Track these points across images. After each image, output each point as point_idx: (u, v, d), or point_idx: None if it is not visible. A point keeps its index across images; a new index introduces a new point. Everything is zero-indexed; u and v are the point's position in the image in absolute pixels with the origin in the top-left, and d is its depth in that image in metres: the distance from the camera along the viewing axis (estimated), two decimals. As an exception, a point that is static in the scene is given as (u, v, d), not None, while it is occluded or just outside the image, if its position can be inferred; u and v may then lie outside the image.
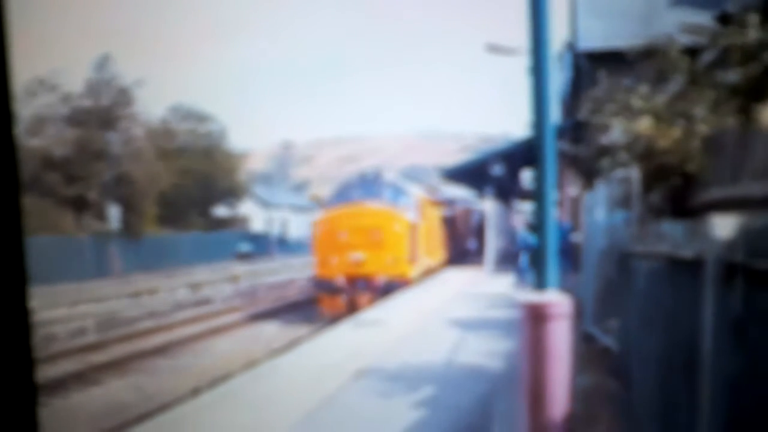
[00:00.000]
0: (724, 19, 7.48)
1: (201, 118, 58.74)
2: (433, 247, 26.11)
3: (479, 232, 32.25)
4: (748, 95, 5.94)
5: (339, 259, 20.76)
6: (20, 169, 0.97)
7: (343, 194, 22.53)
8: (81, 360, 15.46)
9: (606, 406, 6.68)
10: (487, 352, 10.40)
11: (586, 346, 9.59)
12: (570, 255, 13.85)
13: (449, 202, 31.88)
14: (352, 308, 19.35)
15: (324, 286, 20.98)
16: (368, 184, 22.39)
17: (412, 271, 21.67)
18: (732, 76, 6.18)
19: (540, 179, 5.00)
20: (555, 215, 12.51)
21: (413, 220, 21.88)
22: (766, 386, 2.76)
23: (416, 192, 24.34)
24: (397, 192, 22.43)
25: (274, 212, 73.49)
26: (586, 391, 7.31)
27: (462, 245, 34.30)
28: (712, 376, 3.28)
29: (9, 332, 0.94)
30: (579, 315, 10.58)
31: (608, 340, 8.64)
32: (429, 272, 24.64)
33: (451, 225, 30.92)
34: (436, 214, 27.25)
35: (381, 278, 20.44)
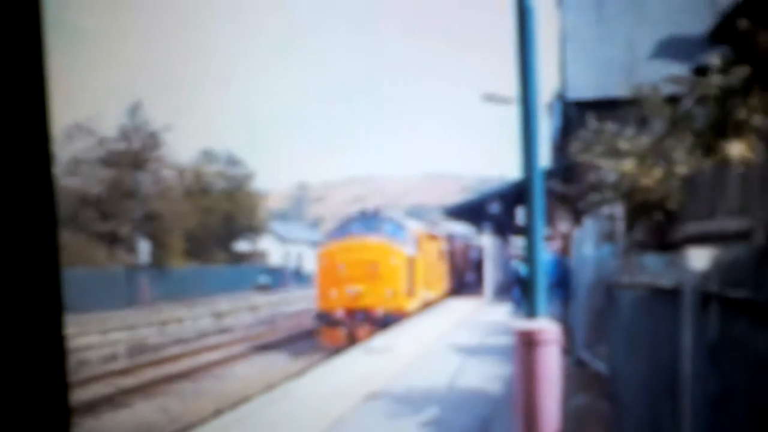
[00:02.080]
0: (700, 71, 7.58)
1: (230, 161, 59.38)
2: (431, 280, 24.97)
3: (478, 265, 31.93)
4: (713, 134, 6.04)
5: (338, 292, 19.57)
6: (58, 207, 0.99)
7: (344, 229, 21.47)
8: (112, 383, 15.38)
9: (597, 426, 6.60)
10: (487, 376, 10.31)
11: (578, 370, 9.50)
12: (569, 287, 13.74)
13: (448, 237, 31.11)
14: (352, 341, 18.36)
15: (324, 319, 19.79)
16: (368, 220, 21.36)
17: (410, 304, 20.53)
18: (700, 118, 6.30)
19: (529, 216, 5.02)
20: (549, 249, 12.41)
21: (411, 253, 20.86)
22: (741, 406, 2.75)
23: (414, 227, 23.35)
24: (396, 227, 21.39)
25: (291, 247, 73.54)
26: (579, 412, 7.23)
27: (460, 278, 33.58)
28: (692, 396, 3.26)
29: (45, 357, 0.95)
30: (572, 341, 10.50)
31: (598, 365, 8.56)
32: (428, 305, 23.59)
33: (449, 259, 30.09)
34: (434, 248, 26.12)
35: (379, 311, 19.25)
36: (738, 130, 6.10)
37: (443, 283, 28.29)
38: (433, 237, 26.30)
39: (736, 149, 5.87)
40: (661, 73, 9.38)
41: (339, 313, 19.33)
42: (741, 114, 6.12)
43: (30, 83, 0.95)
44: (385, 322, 18.89)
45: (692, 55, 10.61)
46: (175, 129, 49.42)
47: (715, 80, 6.17)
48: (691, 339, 3.25)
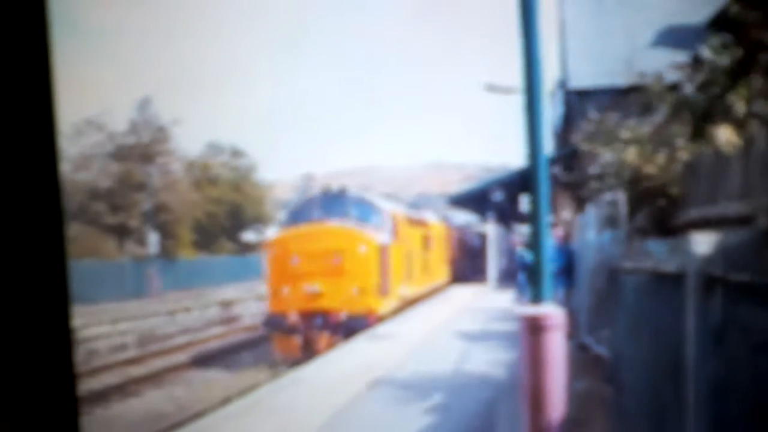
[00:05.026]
0: (699, 59, 7.54)
1: (234, 153, 59.47)
2: (415, 273, 20.83)
3: (481, 252, 31.55)
4: (702, 119, 6.05)
5: (292, 291, 15.71)
6: (64, 200, 0.99)
7: (302, 213, 17.39)
8: (122, 373, 15.46)
9: (600, 409, 6.60)
10: (492, 361, 10.31)
11: (581, 354, 9.49)
12: (572, 273, 13.68)
13: (447, 224, 29.18)
14: (309, 352, 14.63)
15: (275, 324, 15.82)
16: (331, 201, 17.15)
17: (383, 306, 16.42)
18: (691, 99, 6.32)
19: (534, 203, 5.00)
20: (555, 237, 12.36)
21: (385, 241, 16.86)
22: (745, 388, 2.73)
23: (391, 209, 19.05)
24: (366, 209, 17.33)
25: (297, 237, 73.49)
26: (583, 396, 7.23)
27: (462, 266, 31.76)
28: (695, 380, 3.24)
29: (53, 348, 0.95)
30: (575, 326, 10.49)
31: (601, 349, 8.55)
32: (409, 304, 19.53)
33: (449, 246, 28.17)
34: (419, 235, 21.78)
35: (342, 314, 15.39)
36: (726, 114, 6.09)
37: (437, 274, 25.60)
38: (418, 222, 22.44)
39: (724, 134, 5.86)
40: (660, 62, 9.34)
41: (292, 316, 15.55)
42: (730, 99, 6.10)
43: (36, 81, 0.95)
44: (349, 327, 15.18)
45: (691, 44, 10.55)
46: (183, 123, 49.50)
47: (709, 62, 6.18)
48: (695, 322, 3.23)
